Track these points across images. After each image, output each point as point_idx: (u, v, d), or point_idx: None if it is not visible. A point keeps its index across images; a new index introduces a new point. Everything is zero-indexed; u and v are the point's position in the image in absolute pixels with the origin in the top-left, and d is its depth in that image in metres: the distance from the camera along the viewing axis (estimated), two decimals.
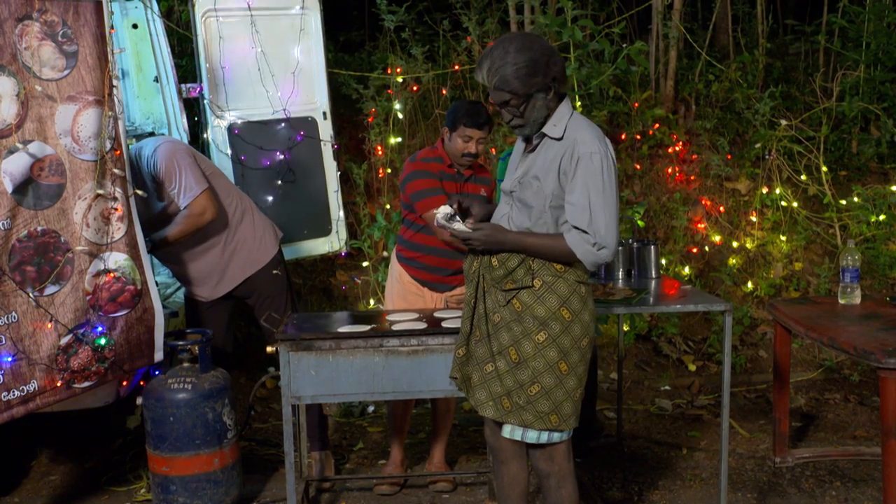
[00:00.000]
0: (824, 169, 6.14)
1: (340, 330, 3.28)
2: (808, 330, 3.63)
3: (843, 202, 6.09)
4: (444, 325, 3.30)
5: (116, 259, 3.42)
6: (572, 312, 2.77)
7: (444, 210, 2.87)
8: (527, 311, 2.77)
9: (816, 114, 6.38)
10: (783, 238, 6.06)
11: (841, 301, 3.89)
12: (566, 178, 2.72)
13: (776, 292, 5.94)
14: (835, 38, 6.80)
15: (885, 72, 6.46)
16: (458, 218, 2.87)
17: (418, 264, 3.89)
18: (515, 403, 2.78)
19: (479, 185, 3.87)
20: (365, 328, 3.30)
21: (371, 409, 5.05)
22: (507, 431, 2.85)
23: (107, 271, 3.39)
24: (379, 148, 6.01)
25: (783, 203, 6.11)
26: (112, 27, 3.38)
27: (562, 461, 2.88)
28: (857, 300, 3.87)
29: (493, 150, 5.87)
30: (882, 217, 5.92)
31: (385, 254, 5.75)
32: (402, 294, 3.96)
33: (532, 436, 2.81)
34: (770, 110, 6.26)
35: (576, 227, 2.71)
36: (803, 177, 6.19)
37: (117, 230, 3.43)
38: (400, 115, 6.03)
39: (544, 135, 2.79)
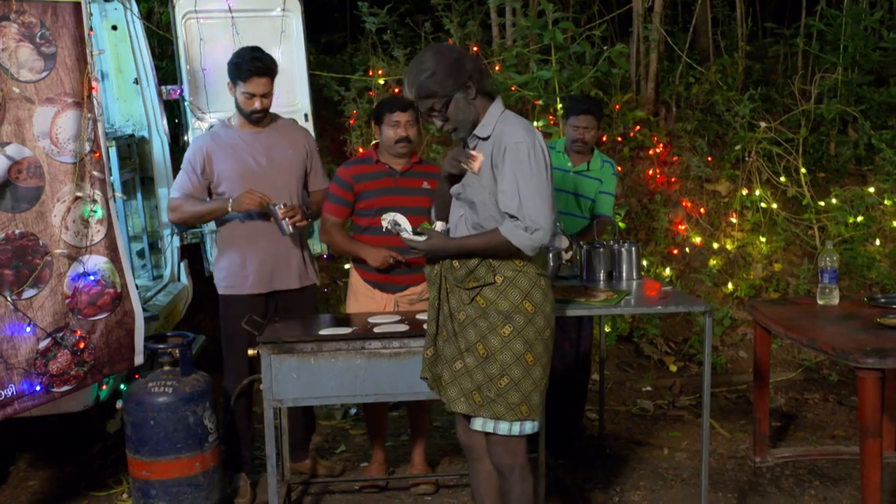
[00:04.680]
0: (803, 171, 6.19)
1: (322, 332, 3.27)
2: (787, 330, 3.66)
3: (822, 204, 6.15)
4: (425, 327, 3.30)
5: (96, 262, 3.40)
6: (534, 305, 2.85)
7: (390, 217, 2.97)
8: (491, 306, 2.83)
9: (795, 116, 6.44)
10: (763, 239, 6.11)
11: (820, 302, 3.93)
12: (498, 171, 2.81)
13: (756, 293, 5.98)
14: (813, 41, 6.86)
15: (862, 74, 6.53)
16: (405, 227, 2.95)
17: (366, 265, 3.89)
18: (486, 397, 2.83)
19: (420, 178, 3.88)
20: (347, 331, 3.29)
21: (353, 411, 5.04)
22: (479, 424, 2.89)
23: (86, 274, 3.36)
24: (360, 150, 6.00)
25: (763, 204, 6.16)
26: (91, 29, 3.36)
27: (523, 454, 2.95)
28: (836, 301, 3.90)
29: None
30: (860, 218, 5.98)
31: None
32: (355, 297, 3.97)
33: (504, 427, 2.86)
34: (750, 112, 6.32)
35: (508, 215, 2.79)
36: (782, 178, 6.24)
37: (97, 233, 3.40)
38: None
39: (477, 137, 2.88)
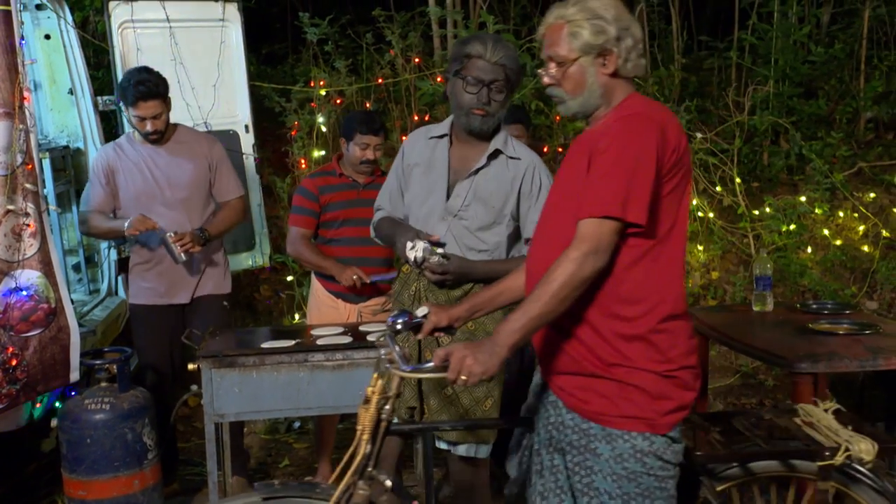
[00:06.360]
0: (738, 181, 6.34)
1: (264, 345, 3.24)
2: (724, 337, 3.74)
3: (756, 212, 6.30)
4: (369, 338, 3.29)
5: (29, 277, 3.30)
6: None
7: (421, 245, 2.79)
8: (479, 328, 2.84)
9: (730, 127, 6.60)
10: (700, 248, 6.24)
11: (755, 308, 4.02)
12: (525, 197, 2.83)
13: (694, 301, 6.10)
14: (746, 55, 7.05)
15: (792, 87, 6.73)
16: (435, 251, 2.80)
17: (330, 276, 3.87)
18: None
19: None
20: (289, 343, 3.27)
21: (297, 425, 4.99)
22: (464, 450, 2.88)
23: (18, 289, 3.27)
24: (302, 161, 5.96)
25: (700, 214, 6.29)
26: (23, 37, 3.28)
27: (486, 470, 2.96)
28: (770, 307, 4.00)
29: None
30: (792, 227, 6.15)
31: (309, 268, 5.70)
32: (318, 307, 3.97)
33: (483, 451, 2.87)
34: (686, 124, 6.45)
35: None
36: (718, 188, 6.38)
37: (29, 247, 3.31)
38: (323, 129, 6.01)
39: (501, 152, 2.85)
